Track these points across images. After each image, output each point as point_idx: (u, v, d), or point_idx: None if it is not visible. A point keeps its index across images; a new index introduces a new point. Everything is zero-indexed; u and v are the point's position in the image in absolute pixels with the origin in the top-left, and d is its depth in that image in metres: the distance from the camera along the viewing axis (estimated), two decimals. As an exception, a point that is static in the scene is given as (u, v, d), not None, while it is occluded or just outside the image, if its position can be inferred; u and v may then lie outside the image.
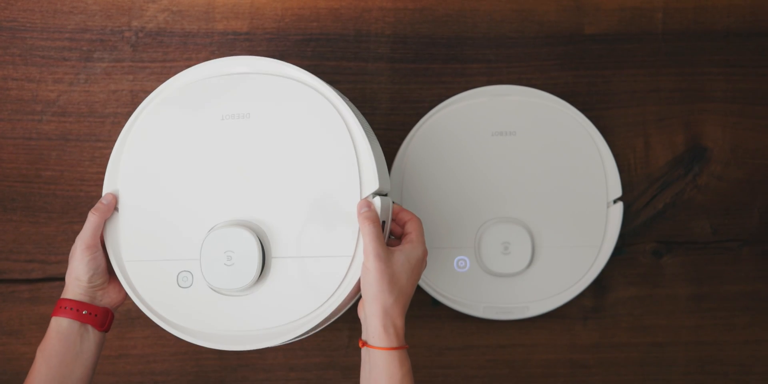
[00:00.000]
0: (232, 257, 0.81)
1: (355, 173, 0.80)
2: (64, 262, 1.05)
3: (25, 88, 1.04)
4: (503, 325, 1.05)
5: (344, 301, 0.81)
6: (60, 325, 0.82)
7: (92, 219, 0.84)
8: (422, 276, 1.00)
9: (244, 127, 0.83)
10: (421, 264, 0.81)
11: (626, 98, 1.06)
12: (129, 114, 1.04)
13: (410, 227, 0.83)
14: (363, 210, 0.80)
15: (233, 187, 0.83)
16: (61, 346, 0.82)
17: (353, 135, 0.82)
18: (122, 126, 1.04)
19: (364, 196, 0.81)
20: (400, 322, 0.78)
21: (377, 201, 0.81)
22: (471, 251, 1.00)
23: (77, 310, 0.82)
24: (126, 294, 0.87)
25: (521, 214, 1.00)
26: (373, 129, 1.04)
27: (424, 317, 1.05)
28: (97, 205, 0.85)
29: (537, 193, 1.00)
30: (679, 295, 1.06)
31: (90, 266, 0.83)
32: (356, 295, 0.84)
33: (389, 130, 1.05)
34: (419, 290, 1.03)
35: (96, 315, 0.83)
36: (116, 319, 1.04)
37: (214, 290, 0.83)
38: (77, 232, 1.03)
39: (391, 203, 0.84)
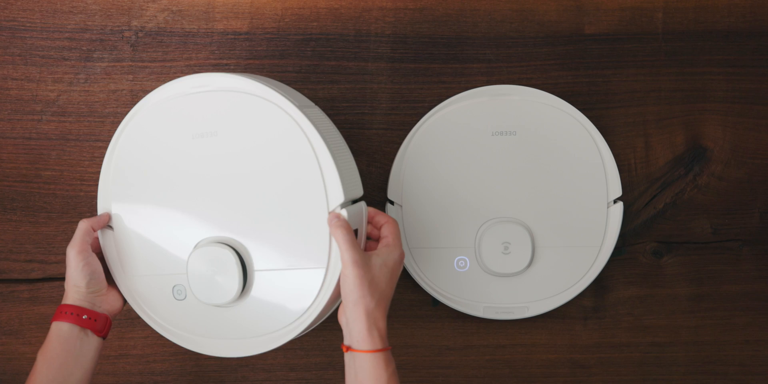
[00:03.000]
0: (217, 273, 0.85)
1: (320, 186, 0.83)
2: (64, 262, 1.05)
3: (24, 88, 1.04)
4: (503, 325, 1.05)
5: (326, 306, 0.85)
6: (61, 330, 0.84)
7: (81, 226, 0.87)
8: (422, 276, 1.00)
9: (214, 145, 0.86)
10: (398, 266, 0.83)
11: (626, 98, 1.06)
12: (129, 114, 1.04)
13: (386, 230, 0.85)
14: (333, 221, 0.81)
15: (212, 204, 0.87)
16: (61, 350, 0.83)
17: (315, 147, 0.83)
18: (122, 126, 1.04)
19: (331, 207, 0.83)
20: (382, 324, 0.80)
21: (345, 211, 0.83)
22: (471, 251, 1.00)
23: (77, 315, 0.84)
24: (123, 303, 0.91)
25: (521, 214, 1.00)
26: (373, 129, 1.05)
27: (424, 317, 1.05)
28: (91, 217, 0.90)
29: (537, 193, 1.00)
30: (679, 295, 1.06)
31: (85, 271, 0.86)
32: (338, 298, 0.85)
33: (389, 130, 1.05)
34: (419, 290, 1.03)
35: (95, 320, 0.85)
36: (116, 319, 1.04)
37: (205, 303, 0.87)
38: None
39: (364, 208, 0.87)
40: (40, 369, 0.82)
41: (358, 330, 0.79)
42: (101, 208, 0.92)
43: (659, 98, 1.06)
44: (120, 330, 1.05)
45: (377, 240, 0.88)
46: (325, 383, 1.06)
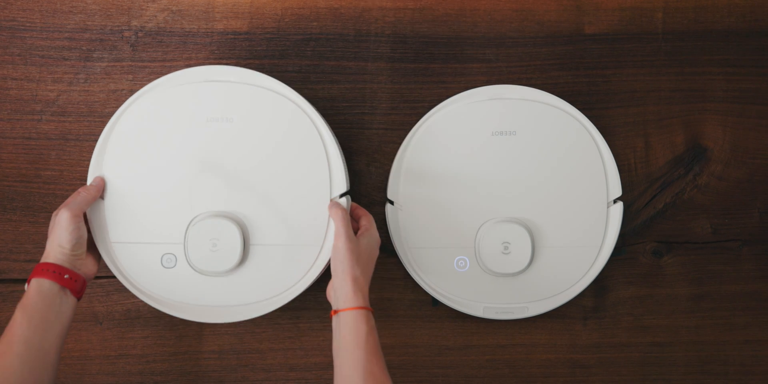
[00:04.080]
0: (217, 244, 0.93)
1: (326, 176, 0.94)
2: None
3: (24, 88, 1.04)
4: (503, 325, 1.05)
5: (313, 281, 0.96)
6: (42, 286, 0.84)
7: (84, 194, 0.91)
8: (422, 276, 1.00)
9: (227, 129, 0.94)
10: (376, 249, 0.94)
11: (626, 98, 1.06)
12: (129, 114, 1.04)
13: (365, 221, 0.95)
14: (334, 205, 0.93)
15: (216, 181, 0.94)
16: (43, 305, 0.83)
17: (325, 143, 0.95)
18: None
19: (333, 195, 0.95)
20: (366, 289, 0.89)
21: (344, 200, 0.95)
22: (471, 251, 1.00)
23: (59, 274, 0.85)
24: (97, 269, 0.93)
25: (521, 214, 1.00)
26: (373, 129, 1.05)
27: (424, 317, 1.05)
28: (88, 186, 0.93)
29: (537, 193, 1.00)
30: (679, 295, 1.06)
31: (74, 235, 0.88)
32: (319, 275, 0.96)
33: (389, 130, 1.05)
34: (419, 290, 1.03)
35: (75, 281, 0.87)
36: (116, 319, 1.04)
37: (198, 272, 0.94)
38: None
39: (349, 201, 0.97)
40: (21, 322, 0.82)
41: (345, 293, 0.87)
42: (93, 174, 0.94)
43: (659, 98, 1.06)
44: (120, 330, 1.05)
45: (354, 230, 0.96)
46: (325, 383, 1.06)
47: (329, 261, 0.94)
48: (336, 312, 0.87)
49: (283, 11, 1.04)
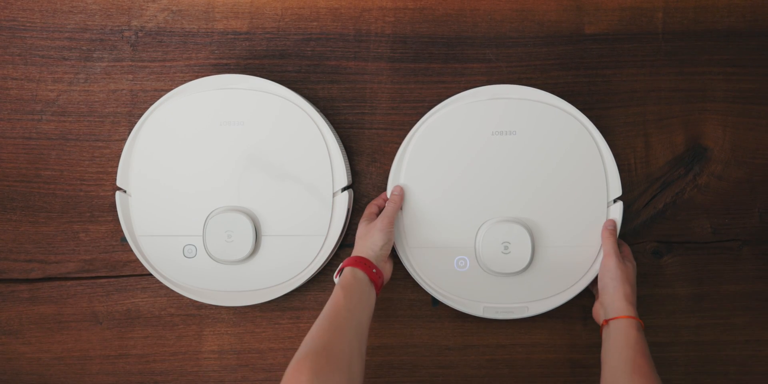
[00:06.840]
0: (232, 235, 1.00)
1: (328, 172, 1.00)
2: (64, 262, 1.05)
3: (24, 88, 1.04)
4: (503, 324, 1.05)
5: (318, 269, 1.03)
6: (356, 273, 0.92)
7: (393, 205, 0.99)
8: (422, 276, 1.00)
9: (239, 131, 1.00)
10: (635, 273, 0.98)
11: (626, 98, 1.06)
12: (129, 113, 1.04)
13: (624, 248, 1.01)
14: (609, 226, 0.98)
15: (230, 178, 1.01)
16: (358, 287, 0.91)
17: (327, 141, 1.00)
18: (122, 125, 1.04)
19: (335, 189, 1.01)
20: (635, 304, 0.94)
21: (346, 194, 1.01)
22: (471, 251, 1.00)
23: (369, 266, 0.93)
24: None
25: (521, 214, 1.00)
26: (374, 129, 1.05)
27: (424, 317, 1.05)
28: (393, 197, 0.99)
29: (537, 193, 1.00)
30: (679, 295, 1.06)
31: (387, 237, 0.96)
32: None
33: (389, 130, 1.05)
34: (419, 290, 1.03)
35: (379, 277, 0.94)
36: (116, 319, 1.05)
37: (215, 261, 1.00)
38: (77, 232, 1.04)
39: (351, 194, 1.03)
40: (344, 296, 0.88)
41: (617, 306, 0.93)
42: (122, 174, 1.00)
43: (659, 98, 1.06)
44: (120, 330, 1.05)
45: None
46: (325, 383, 1.05)
47: (334, 248, 1.01)
48: (606, 322, 0.92)
49: (283, 11, 1.04)
